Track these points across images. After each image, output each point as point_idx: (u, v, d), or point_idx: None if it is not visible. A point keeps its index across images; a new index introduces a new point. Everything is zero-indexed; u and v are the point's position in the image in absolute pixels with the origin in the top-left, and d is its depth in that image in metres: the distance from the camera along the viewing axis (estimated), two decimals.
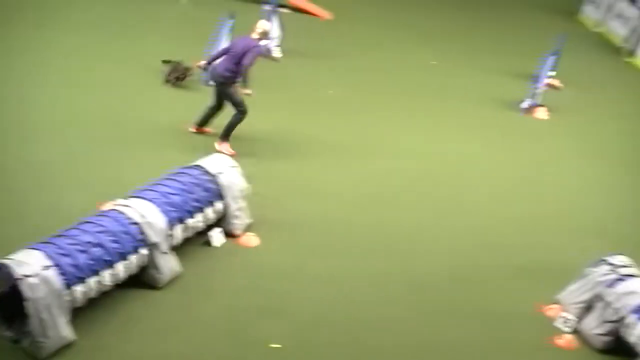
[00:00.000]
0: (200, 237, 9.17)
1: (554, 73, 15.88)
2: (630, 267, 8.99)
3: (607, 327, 8.59)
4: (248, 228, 9.61)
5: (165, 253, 8.26)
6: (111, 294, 7.88)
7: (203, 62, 11.59)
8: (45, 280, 6.95)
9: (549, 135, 14.26)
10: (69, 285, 7.19)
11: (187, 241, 8.94)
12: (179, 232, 8.59)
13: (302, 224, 10.00)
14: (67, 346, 7.18)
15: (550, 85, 16.21)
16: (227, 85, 11.08)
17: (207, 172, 9.19)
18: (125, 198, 8.39)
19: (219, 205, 9.20)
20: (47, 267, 7.02)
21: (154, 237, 8.09)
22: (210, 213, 9.08)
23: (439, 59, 17.07)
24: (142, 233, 8.03)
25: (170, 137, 11.53)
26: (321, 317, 8.36)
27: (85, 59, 13.59)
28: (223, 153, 10.60)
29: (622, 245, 10.67)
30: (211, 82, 11.61)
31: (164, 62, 13.51)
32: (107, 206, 8.49)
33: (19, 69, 12.56)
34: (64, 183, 9.83)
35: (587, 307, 8.92)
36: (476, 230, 10.63)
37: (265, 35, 11.32)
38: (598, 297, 8.85)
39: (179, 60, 13.35)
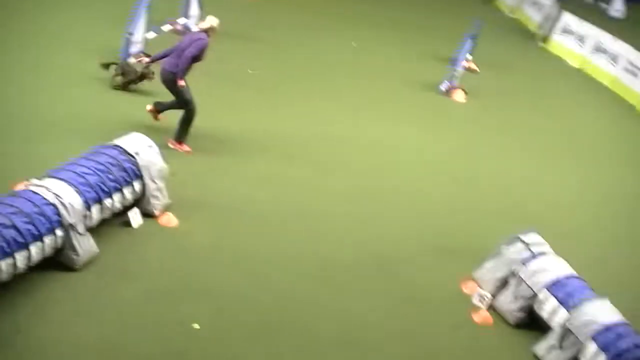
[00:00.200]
0: (118, 217, 9.00)
1: (470, 56, 16.23)
2: (543, 245, 9.27)
3: (521, 303, 8.85)
4: (167, 208, 9.49)
5: (82, 234, 8.07)
6: (26, 276, 7.65)
7: (145, 60, 11.32)
8: None
9: (465, 117, 14.54)
10: None
11: (104, 222, 8.76)
12: (95, 213, 8.41)
13: (222, 205, 9.93)
14: None
15: (468, 69, 16.55)
16: (174, 82, 10.68)
17: (124, 152, 9.01)
18: (39, 178, 8.15)
19: (137, 185, 9.04)
20: None
21: (69, 218, 7.89)
22: (128, 193, 8.91)
23: (360, 42, 17.17)
24: (58, 214, 7.82)
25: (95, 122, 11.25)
26: (240, 297, 8.33)
27: None
28: (179, 150, 10.75)
29: (537, 224, 11.02)
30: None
31: (104, 65, 12.54)
32: (21, 186, 8.23)
33: None
34: None
35: (502, 284, 9.17)
36: (395, 212, 10.77)
37: (212, 30, 10.83)
38: (512, 274, 9.11)
39: (122, 61, 12.54)
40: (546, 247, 9.25)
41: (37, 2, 14.92)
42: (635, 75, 17.52)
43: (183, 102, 10.80)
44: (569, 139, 14.71)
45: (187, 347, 7.49)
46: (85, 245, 8.12)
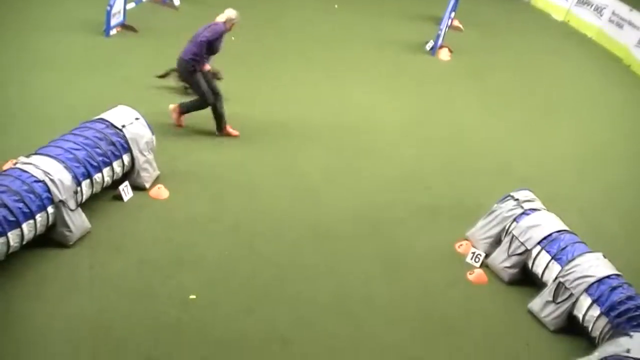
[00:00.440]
0: (108, 191, 8.96)
1: (453, 14, 16.14)
2: (534, 201, 9.30)
3: (513, 260, 8.91)
4: (158, 180, 9.45)
5: (73, 210, 8.04)
6: (19, 254, 7.64)
7: None
8: None
9: (451, 76, 14.49)
10: None
11: (95, 197, 8.73)
12: (85, 188, 8.37)
13: (212, 176, 9.89)
14: None
15: (452, 27, 16.47)
16: (189, 72, 10.41)
17: (111, 125, 8.94)
18: (27, 156, 8.09)
19: (125, 158, 8.99)
20: None
21: (60, 195, 7.85)
22: (117, 167, 8.86)
23: (342, 4, 17.01)
24: (48, 191, 7.78)
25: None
26: (233, 267, 8.34)
27: None
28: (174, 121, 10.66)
29: (527, 180, 11.06)
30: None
31: (162, 76, 11.72)
32: (8, 165, 8.16)
33: None
34: None
35: (496, 242, 9.22)
36: (382, 174, 10.75)
37: (230, 22, 10.38)
38: (505, 232, 9.16)
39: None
40: (538, 204, 9.28)
41: None
42: (620, 26, 17.46)
43: (199, 94, 10.55)
44: (555, 94, 14.69)
45: (181, 319, 7.52)
46: (77, 221, 8.10)
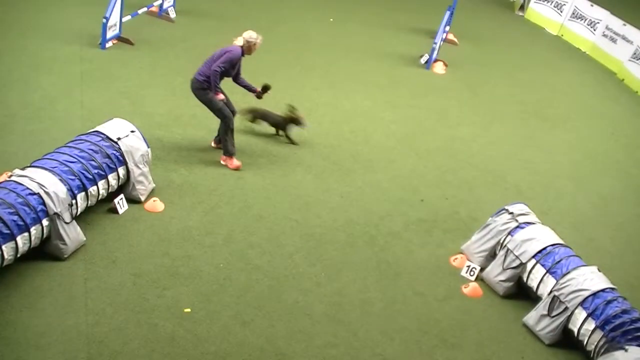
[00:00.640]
0: (103, 204, 8.96)
1: (448, 28, 16.23)
2: (528, 214, 9.32)
3: (508, 273, 8.91)
4: (153, 193, 9.45)
5: (68, 223, 8.03)
6: (14, 267, 7.63)
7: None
8: None
9: (446, 90, 14.53)
10: None
11: (90, 209, 8.73)
12: (81, 201, 8.36)
13: (208, 188, 9.89)
14: None
15: (447, 41, 16.55)
16: (202, 91, 10.08)
17: (107, 138, 8.94)
18: (22, 168, 8.08)
19: (121, 171, 8.98)
20: None
21: (55, 207, 7.84)
22: (112, 180, 8.86)
23: (338, 17, 17.08)
24: (43, 203, 7.77)
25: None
26: (229, 280, 8.33)
27: None
28: (229, 167, 10.40)
29: (521, 194, 11.09)
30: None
31: (252, 122, 11.29)
32: (3, 178, 8.16)
33: None
34: None
35: (491, 256, 9.23)
36: (378, 186, 10.76)
37: (247, 45, 10.02)
38: (500, 245, 9.17)
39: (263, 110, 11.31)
40: (532, 217, 9.30)
41: None
42: (614, 41, 17.55)
43: (214, 111, 10.24)
44: (550, 107, 14.74)
45: (177, 332, 7.50)
46: (72, 234, 8.09)
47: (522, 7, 20.29)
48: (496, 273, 9.02)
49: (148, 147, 9.38)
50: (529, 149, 12.87)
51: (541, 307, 8.47)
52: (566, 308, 8.26)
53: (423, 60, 15.37)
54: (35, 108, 10.87)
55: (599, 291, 8.22)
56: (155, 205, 9.27)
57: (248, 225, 9.34)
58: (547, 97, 15.23)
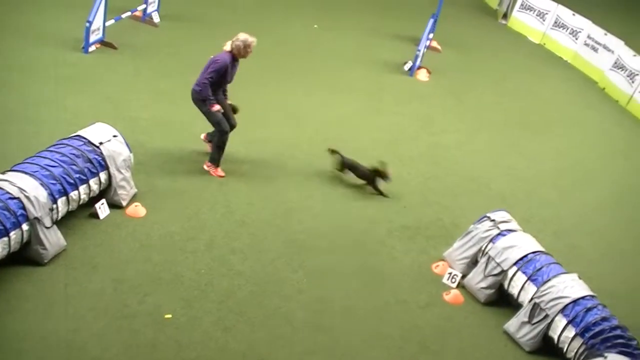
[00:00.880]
0: (84, 209, 8.91)
1: (431, 35, 16.29)
2: (510, 222, 9.36)
3: (490, 280, 8.94)
4: (135, 198, 9.41)
5: (49, 227, 7.98)
6: None
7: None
8: None
9: (429, 97, 14.57)
10: None
11: (71, 214, 8.68)
12: (62, 205, 8.31)
13: (190, 194, 9.86)
14: None
15: (431, 48, 16.60)
16: (200, 102, 9.90)
17: (89, 142, 8.90)
18: (2, 172, 8.02)
19: (102, 176, 8.94)
20: None
21: (35, 212, 7.79)
22: (94, 184, 8.82)
23: (322, 24, 17.09)
24: (23, 208, 7.71)
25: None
26: (210, 286, 8.31)
27: None
28: (212, 175, 10.30)
29: (503, 201, 11.13)
30: None
31: (332, 152, 10.97)
32: None
33: None
34: None
35: (472, 263, 9.26)
36: (364, 192, 10.77)
37: (238, 50, 9.77)
38: (481, 253, 9.20)
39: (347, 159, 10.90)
40: (514, 224, 9.34)
41: None
42: (595, 50, 17.68)
43: (213, 123, 10.09)
44: (532, 115, 14.79)
45: (158, 338, 7.48)
46: (52, 239, 8.03)
47: (505, 16, 20.39)
48: (477, 280, 9.04)
49: (130, 152, 9.34)
50: (512, 156, 12.93)
51: (522, 315, 8.50)
52: (547, 315, 8.30)
53: (407, 67, 15.41)
54: (17, 112, 10.79)
55: (579, 299, 8.27)
56: (137, 210, 9.23)
57: (230, 231, 9.31)
58: (530, 105, 15.31)
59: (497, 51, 18.06)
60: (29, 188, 7.82)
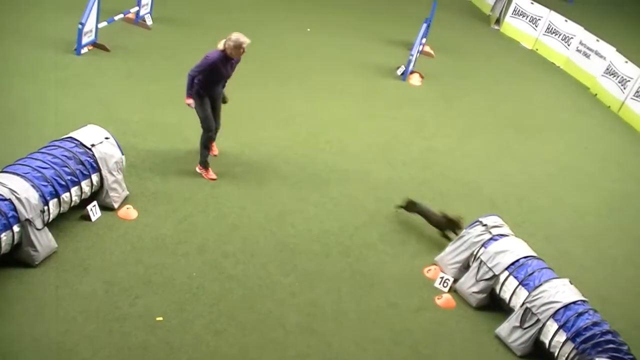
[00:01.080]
0: (76, 211, 8.88)
1: (424, 40, 16.32)
2: (502, 227, 9.38)
3: (481, 285, 8.95)
4: (127, 201, 9.38)
5: (40, 229, 7.95)
6: None
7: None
8: None
9: (422, 101, 14.59)
10: None
11: (63, 216, 8.65)
12: (53, 207, 8.28)
13: (182, 197, 9.83)
14: None
15: (424, 53, 16.63)
16: (194, 97, 9.89)
17: (81, 144, 8.88)
18: None
19: (94, 178, 8.92)
20: None
21: (26, 213, 7.76)
22: (85, 186, 8.79)
23: (314, 27, 17.11)
24: (14, 209, 7.68)
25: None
26: (201, 289, 8.30)
27: None
28: (204, 176, 10.31)
29: (495, 206, 11.16)
30: None
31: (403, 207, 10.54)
32: None
33: None
34: None
35: (464, 267, 9.27)
36: (352, 197, 10.77)
37: (230, 50, 9.67)
38: (473, 257, 9.21)
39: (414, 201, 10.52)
40: (506, 229, 9.36)
41: None
42: (587, 56, 17.75)
43: (200, 121, 10.05)
44: (525, 120, 14.83)
45: (149, 341, 7.46)
46: (44, 241, 8.00)
47: (498, 21, 20.46)
48: (469, 285, 9.05)
49: (122, 154, 9.32)
50: (504, 161, 12.96)
51: (513, 319, 8.51)
52: (538, 320, 8.31)
53: (399, 72, 15.43)
54: (9, 113, 10.75)
55: (570, 303, 8.29)
56: (129, 212, 9.20)
57: (222, 235, 9.30)
58: (522, 111, 15.35)
59: (489, 56, 18.11)
60: (20, 189, 7.79)
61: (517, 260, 8.85)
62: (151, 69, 13.16)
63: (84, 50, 13.09)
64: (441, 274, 9.28)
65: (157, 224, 9.18)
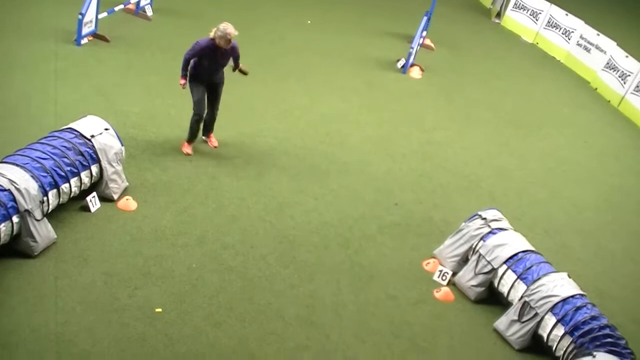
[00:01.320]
0: (75, 202, 8.88)
1: (425, 33, 16.29)
2: (501, 220, 9.38)
3: (480, 278, 8.96)
4: (126, 192, 9.38)
5: (39, 220, 7.95)
6: None
7: None
8: None
9: (422, 94, 14.57)
10: None
11: (62, 207, 8.65)
12: (52, 198, 8.28)
13: (181, 188, 9.83)
14: None
15: (424, 46, 16.61)
16: (190, 76, 10.26)
17: (80, 135, 8.87)
18: None
19: (94, 169, 8.91)
20: None
21: (25, 204, 7.75)
22: (85, 177, 8.79)
23: (315, 20, 17.07)
24: (13, 200, 7.68)
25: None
26: (201, 281, 8.31)
27: None
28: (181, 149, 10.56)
29: (494, 199, 11.16)
30: None
31: None
32: None
33: None
34: None
35: (463, 261, 9.28)
36: (352, 190, 10.77)
37: (219, 39, 9.85)
38: (472, 251, 9.22)
39: None
40: (505, 223, 9.36)
41: None
42: (588, 50, 17.72)
43: (193, 102, 10.38)
44: (524, 114, 14.82)
45: (147, 332, 7.47)
46: (43, 232, 8.00)
47: (499, 15, 20.41)
48: (468, 278, 9.07)
49: (122, 145, 9.32)
50: (503, 155, 12.95)
51: (512, 313, 8.53)
52: (536, 314, 8.33)
53: (400, 65, 15.40)
54: (8, 104, 10.74)
55: (568, 297, 8.30)
56: (128, 203, 9.20)
57: (221, 226, 9.30)
58: (522, 104, 15.33)
59: (490, 50, 18.08)
60: (19, 180, 7.79)
61: (516, 254, 8.87)
62: (151, 60, 13.14)
63: (84, 40, 13.07)
64: (440, 267, 9.30)
65: (156, 215, 9.19)
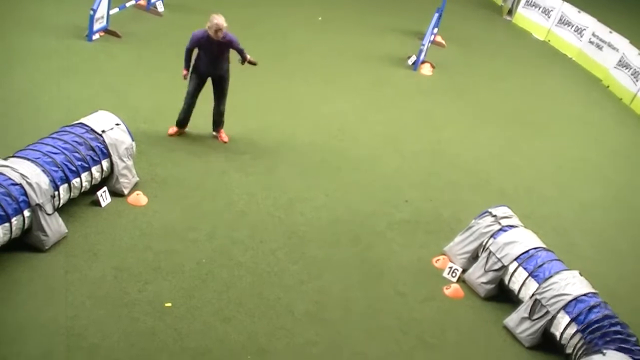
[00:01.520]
0: (86, 197, 8.90)
1: (436, 30, 16.25)
2: (511, 217, 9.36)
3: (490, 275, 8.94)
4: (136, 187, 9.40)
5: (50, 214, 7.97)
6: None
7: None
8: None
9: (433, 91, 14.54)
10: None
11: (73, 201, 8.67)
12: (63, 193, 8.30)
13: (191, 183, 9.85)
14: None
15: (435, 43, 16.57)
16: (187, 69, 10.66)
17: (91, 130, 8.89)
18: (4, 159, 8.02)
19: (105, 163, 8.94)
20: None
21: (37, 198, 7.78)
22: (96, 172, 8.81)
23: (326, 17, 17.05)
24: (24, 194, 7.71)
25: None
26: (210, 276, 8.32)
27: None
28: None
29: (504, 197, 11.12)
30: None
31: None
32: None
33: None
34: None
35: (473, 258, 9.26)
36: (363, 186, 10.76)
37: (210, 30, 10.05)
38: (482, 248, 9.20)
39: None
40: (515, 220, 9.34)
41: None
42: (600, 48, 17.64)
43: None
44: (535, 111, 14.77)
45: (157, 327, 7.48)
46: (54, 226, 8.03)
47: (510, 12, 20.35)
48: (478, 275, 9.04)
49: (133, 141, 9.34)
50: (514, 152, 12.91)
51: (522, 310, 8.50)
52: (547, 312, 8.29)
53: (410, 62, 15.38)
54: (21, 99, 10.78)
55: (581, 296, 8.26)
56: (139, 198, 9.22)
57: (231, 222, 9.31)
58: (533, 102, 15.28)
59: (501, 47, 18.02)
60: (30, 174, 7.82)
61: (527, 252, 8.83)
62: (162, 56, 13.15)
63: (96, 36, 13.10)
64: (450, 264, 9.27)
65: (166, 210, 9.20)
